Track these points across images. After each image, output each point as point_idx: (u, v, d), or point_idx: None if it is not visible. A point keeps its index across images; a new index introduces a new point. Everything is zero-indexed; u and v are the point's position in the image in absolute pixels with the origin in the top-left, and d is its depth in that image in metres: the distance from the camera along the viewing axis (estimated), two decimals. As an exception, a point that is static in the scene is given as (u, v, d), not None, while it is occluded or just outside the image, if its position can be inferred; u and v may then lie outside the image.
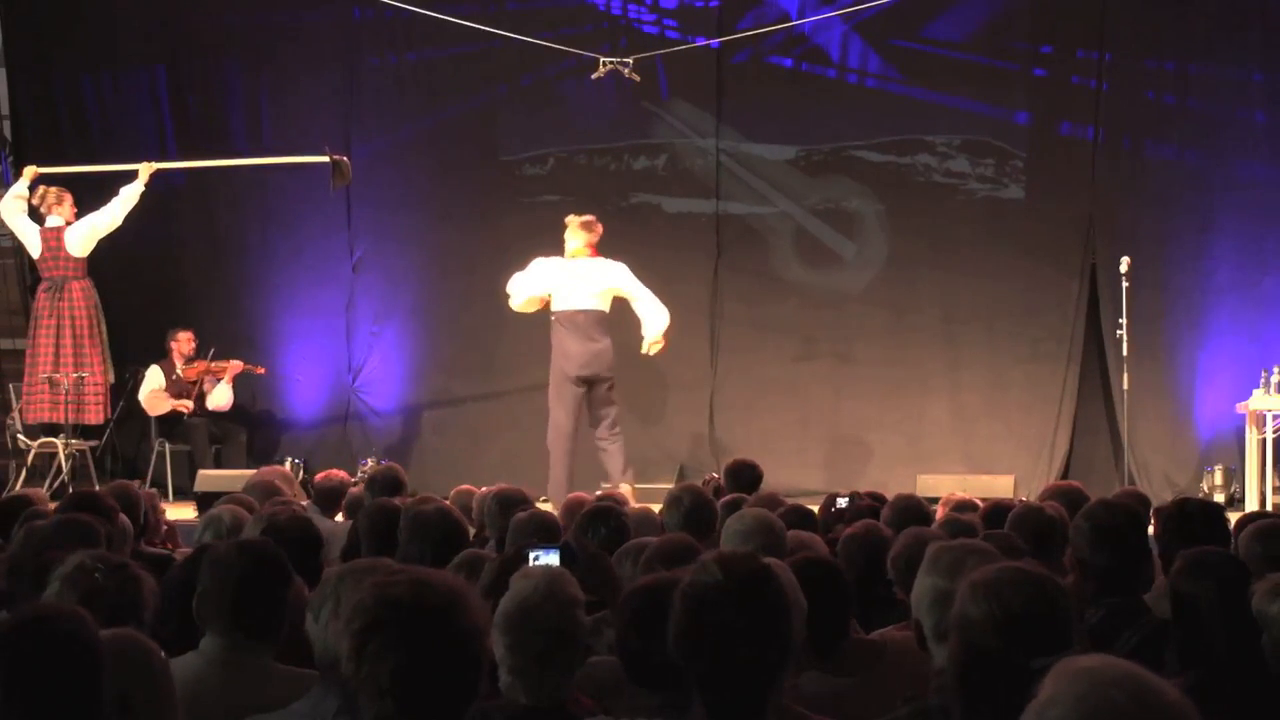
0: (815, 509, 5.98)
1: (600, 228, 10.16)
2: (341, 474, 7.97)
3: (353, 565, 3.37)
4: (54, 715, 2.46)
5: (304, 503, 7.12)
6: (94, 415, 10.81)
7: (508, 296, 10.30)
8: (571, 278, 10.02)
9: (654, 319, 10.10)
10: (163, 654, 3.00)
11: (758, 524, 4.51)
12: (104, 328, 10.86)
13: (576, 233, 10.08)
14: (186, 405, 11.44)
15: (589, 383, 9.97)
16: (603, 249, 11.87)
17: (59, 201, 10.74)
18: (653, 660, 3.10)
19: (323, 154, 10.78)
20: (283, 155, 11.34)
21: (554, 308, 10.04)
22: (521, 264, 11.88)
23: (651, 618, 3.11)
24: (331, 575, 3.25)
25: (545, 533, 4.91)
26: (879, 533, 4.80)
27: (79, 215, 10.77)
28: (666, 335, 10.16)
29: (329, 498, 7.51)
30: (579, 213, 10.27)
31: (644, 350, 10.18)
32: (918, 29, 11.70)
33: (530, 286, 10.09)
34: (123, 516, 5.48)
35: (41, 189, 10.76)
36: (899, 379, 11.51)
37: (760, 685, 2.77)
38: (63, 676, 2.46)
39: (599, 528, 5.18)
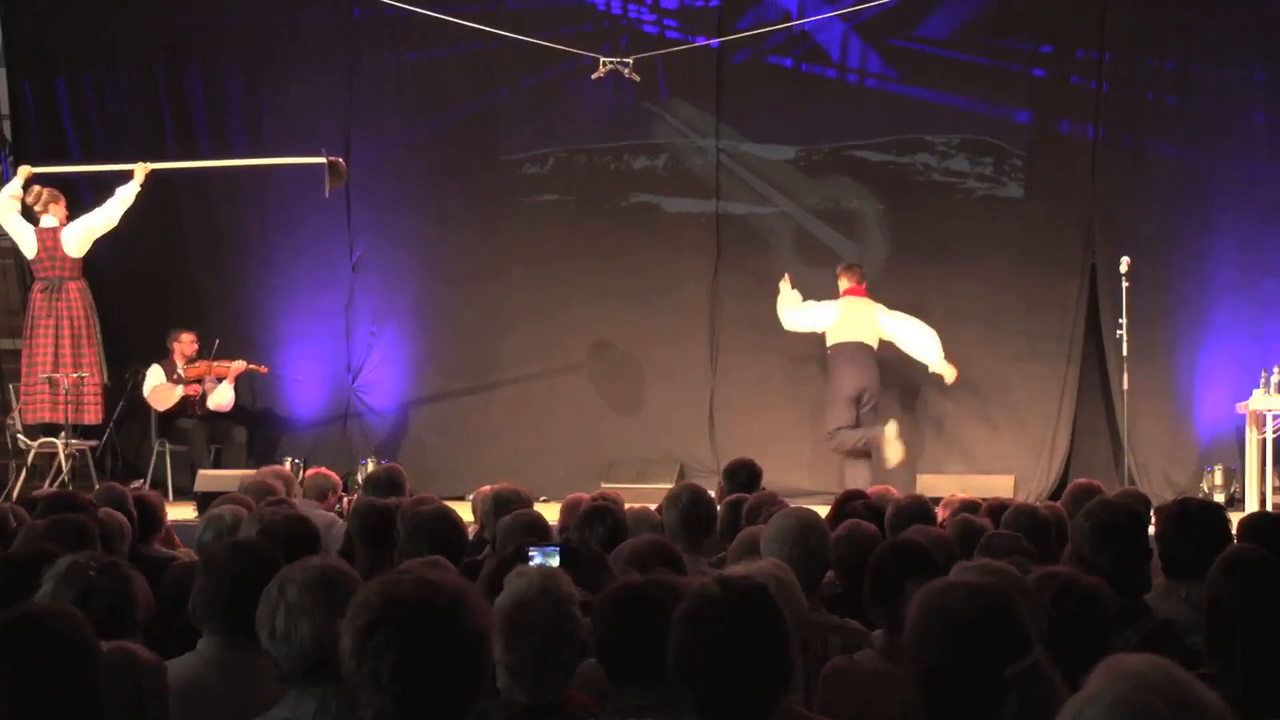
0: (812, 508, 5.94)
1: (861, 270, 10.90)
2: (330, 473, 7.98)
3: (287, 572, 3.14)
4: (50, 714, 2.46)
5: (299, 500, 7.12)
6: (92, 415, 10.80)
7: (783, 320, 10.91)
8: (844, 316, 10.69)
9: (924, 346, 10.67)
10: (159, 665, 2.99)
11: (798, 524, 4.56)
12: (98, 328, 10.85)
13: (844, 278, 10.81)
14: (195, 388, 11.41)
15: (858, 401, 10.66)
16: (602, 249, 11.93)
17: (54, 200, 10.72)
18: (633, 658, 3.12)
19: (318, 155, 10.76)
20: (281, 155, 11.32)
21: (829, 341, 10.73)
22: (522, 263, 11.98)
23: (627, 617, 3.14)
24: (272, 587, 3.10)
25: (534, 534, 4.90)
26: (865, 531, 4.81)
27: (73, 216, 10.76)
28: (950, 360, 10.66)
29: (319, 495, 7.55)
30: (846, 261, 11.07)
31: (948, 380, 10.72)
32: (917, 28, 11.69)
33: (811, 320, 10.83)
34: (119, 515, 5.47)
35: (35, 189, 10.73)
36: (899, 378, 11.49)
37: (758, 704, 2.78)
38: (57, 675, 2.45)
39: (596, 526, 5.19)
